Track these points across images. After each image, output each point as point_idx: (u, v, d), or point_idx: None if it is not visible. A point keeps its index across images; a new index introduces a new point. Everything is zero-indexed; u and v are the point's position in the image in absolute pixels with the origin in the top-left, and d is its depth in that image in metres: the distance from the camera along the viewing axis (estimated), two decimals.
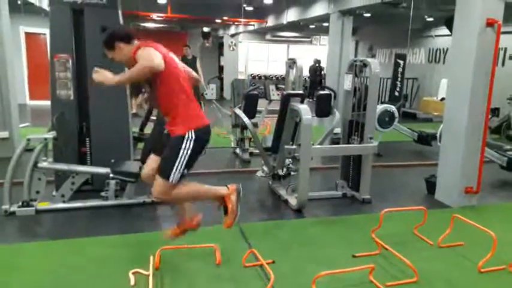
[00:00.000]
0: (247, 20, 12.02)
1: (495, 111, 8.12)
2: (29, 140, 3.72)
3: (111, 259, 3.01)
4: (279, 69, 17.28)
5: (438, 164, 4.54)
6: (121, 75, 2.60)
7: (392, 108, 6.19)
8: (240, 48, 15.82)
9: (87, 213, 3.88)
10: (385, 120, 6.09)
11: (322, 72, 14.71)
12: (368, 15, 9.42)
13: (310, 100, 11.16)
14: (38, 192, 3.81)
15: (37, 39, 11.16)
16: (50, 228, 3.66)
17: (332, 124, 4.87)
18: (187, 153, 2.64)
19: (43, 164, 3.77)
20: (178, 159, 2.63)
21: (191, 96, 2.76)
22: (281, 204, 4.33)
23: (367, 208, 4.25)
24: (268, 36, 17.40)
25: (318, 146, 4.61)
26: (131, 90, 4.37)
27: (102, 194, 3.99)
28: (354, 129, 4.48)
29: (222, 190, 2.91)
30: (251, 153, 6.13)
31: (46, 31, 9.73)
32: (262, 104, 6.24)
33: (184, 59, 9.14)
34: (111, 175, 3.86)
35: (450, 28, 4.62)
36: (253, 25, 13.38)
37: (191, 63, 8.92)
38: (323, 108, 4.82)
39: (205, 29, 14.28)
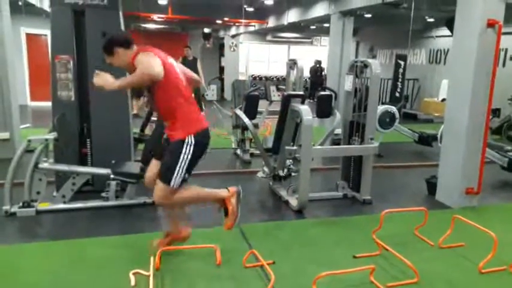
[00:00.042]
0: (248, 20, 12.03)
1: (496, 112, 8.10)
2: (29, 141, 3.73)
3: (112, 260, 3.01)
4: (280, 70, 17.25)
5: (439, 165, 4.54)
6: (121, 80, 2.61)
7: (393, 109, 6.20)
8: (241, 49, 15.84)
9: (88, 214, 3.88)
10: (386, 121, 6.10)
11: (323, 73, 14.71)
12: (369, 16, 9.43)
13: (311, 101, 11.19)
14: (38, 192, 3.81)
15: (38, 40, 11.17)
16: (50, 228, 3.67)
17: (333, 125, 4.87)
18: (187, 158, 2.65)
19: (44, 165, 3.78)
20: (179, 164, 2.64)
21: (190, 99, 2.76)
22: (282, 205, 4.33)
23: (367, 209, 4.25)
24: (269, 37, 17.42)
25: (319, 147, 4.60)
26: (132, 92, 4.38)
27: (103, 194, 4.00)
28: (355, 130, 4.48)
29: (222, 193, 2.92)
30: (252, 154, 6.13)
31: (47, 32, 9.80)
32: (263, 105, 6.25)
33: (185, 60, 9.15)
34: (111, 176, 3.86)
35: (451, 29, 4.62)
36: (254, 26, 13.39)
37: (192, 64, 8.92)
38: (324, 109, 4.82)
39: (206, 30, 14.31)
